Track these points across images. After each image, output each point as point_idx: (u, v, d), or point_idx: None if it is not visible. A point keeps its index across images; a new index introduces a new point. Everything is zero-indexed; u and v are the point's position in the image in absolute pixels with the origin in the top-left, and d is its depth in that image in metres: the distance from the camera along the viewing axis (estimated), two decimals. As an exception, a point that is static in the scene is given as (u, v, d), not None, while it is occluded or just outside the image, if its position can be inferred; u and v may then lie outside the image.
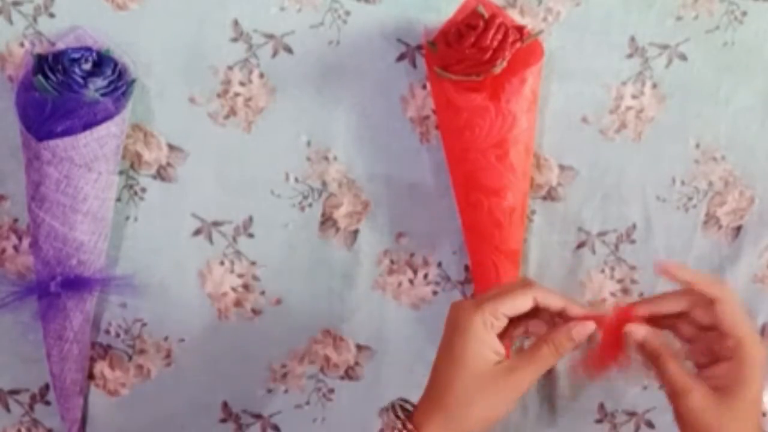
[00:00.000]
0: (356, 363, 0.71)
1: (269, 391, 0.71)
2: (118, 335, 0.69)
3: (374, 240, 0.69)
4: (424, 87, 0.66)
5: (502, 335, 0.53)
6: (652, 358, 0.52)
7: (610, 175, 0.68)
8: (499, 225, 0.64)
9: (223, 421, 0.71)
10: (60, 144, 0.59)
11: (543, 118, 0.66)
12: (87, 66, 0.60)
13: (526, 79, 0.61)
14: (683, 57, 0.67)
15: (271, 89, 0.65)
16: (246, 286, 0.69)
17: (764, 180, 0.69)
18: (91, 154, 0.61)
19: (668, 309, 0.53)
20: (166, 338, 0.69)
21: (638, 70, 0.67)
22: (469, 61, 0.60)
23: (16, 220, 0.66)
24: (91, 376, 0.69)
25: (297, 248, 0.68)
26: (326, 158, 0.67)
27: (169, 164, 0.66)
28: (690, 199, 0.69)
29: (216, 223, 0.67)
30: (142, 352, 0.69)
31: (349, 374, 0.71)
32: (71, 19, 0.62)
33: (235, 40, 0.64)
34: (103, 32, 0.62)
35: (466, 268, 0.69)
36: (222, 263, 0.68)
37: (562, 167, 0.68)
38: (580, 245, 0.70)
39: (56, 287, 0.63)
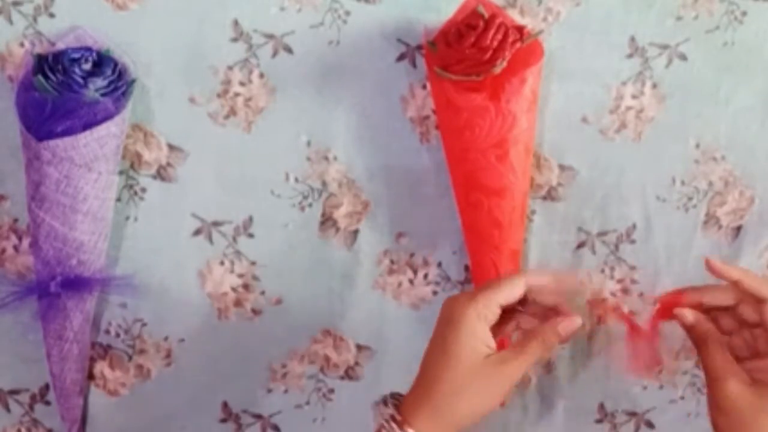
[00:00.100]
0: (356, 363, 0.71)
1: (269, 391, 0.71)
2: (118, 335, 0.69)
3: (374, 240, 0.69)
4: (424, 87, 0.66)
5: (495, 330, 0.54)
6: (699, 342, 0.54)
7: (610, 175, 0.68)
8: (499, 225, 0.64)
9: (223, 421, 0.71)
10: (60, 144, 0.59)
11: (543, 118, 0.66)
12: (87, 66, 0.60)
13: (526, 79, 0.61)
14: (683, 57, 0.67)
15: (271, 89, 0.65)
16: (246, 286, 0.69)
17: (764, 180, 0.69)
18: (91, 154, 0.61)
19: (717, 301, 0.55)
20: (166, 338, 0.69)
21: (638, 70, 0.67)
22: (469, 61, 0.60)
23: (16, 220, 0.66)
24: (91, 376, 0.69)
25: (297, 248, 0.68)
26: (326, 158, 0.67)
27: (169, 164, 0.66)
28: (690, 199, 0.69)
29: (216, 223, 0.67)
30: (142, 352, 0.69)
31: (349, 374, 0.71)
32: (71, 19, 0.62)
33: (235, 40, 0.64)
34: (103, 32, 0.62)
35: (466, 268, 0.69)
36: (222, 263, 0.68)
37: (562, 167, 0.68)
38: (580, 245, 0.70)
39: (56, 287, 0.63)
